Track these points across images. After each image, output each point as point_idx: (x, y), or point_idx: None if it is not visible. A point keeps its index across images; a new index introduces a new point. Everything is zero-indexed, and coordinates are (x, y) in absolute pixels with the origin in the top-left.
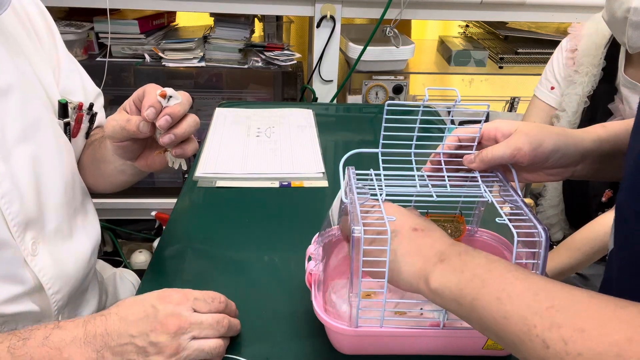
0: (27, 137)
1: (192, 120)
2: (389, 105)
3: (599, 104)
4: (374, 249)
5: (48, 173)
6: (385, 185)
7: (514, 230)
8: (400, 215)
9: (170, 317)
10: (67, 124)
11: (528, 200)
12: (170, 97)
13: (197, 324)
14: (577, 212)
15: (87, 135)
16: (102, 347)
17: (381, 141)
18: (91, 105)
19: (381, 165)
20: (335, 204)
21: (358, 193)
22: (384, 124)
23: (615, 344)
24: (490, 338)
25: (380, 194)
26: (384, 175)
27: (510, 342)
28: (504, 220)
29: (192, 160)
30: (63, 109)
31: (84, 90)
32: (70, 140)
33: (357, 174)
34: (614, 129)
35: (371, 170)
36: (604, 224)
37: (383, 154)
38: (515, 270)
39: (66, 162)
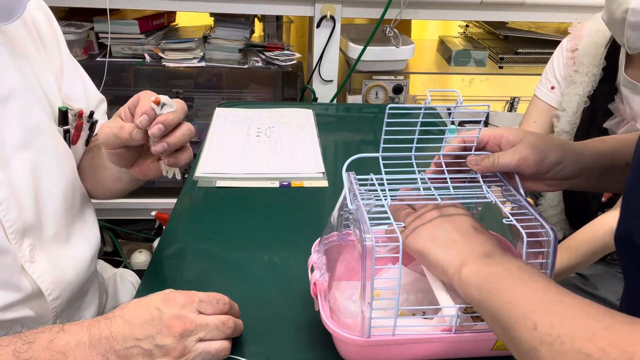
0: (27, 143)
1: (186, 129)
2: (390, 108)
3: (599, 104)
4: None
5: (47, 180)
6: (389, 190)
7: (523, 231)
8: (465, 216)
9: (176, 319)
10: (66, 131)
11: (529, 200)
12: (164, 104)
13: (203, 325)
14: (577, 212)
15: (87, 142)
16: (108, 351)
17: (382, 145)
18: (92, 113)
19: (382, 169)
20: (337, 211)
21: (362, 199)
22: (384, 128)
23: (592, 329)
24: (491, 326)
25: (385, 198)
26: (386, 179)
27: (506, 326)
28: (511, 220)
29: (189, 168)
30: (63, 116)
31: (87, 96)
32: (70, 147)
33: (359, 179)
34: (613, 143)
35: (371, 174)
36: (604, 224)
37: (384, 158)
38: (542, 276)
39: (66, 169)
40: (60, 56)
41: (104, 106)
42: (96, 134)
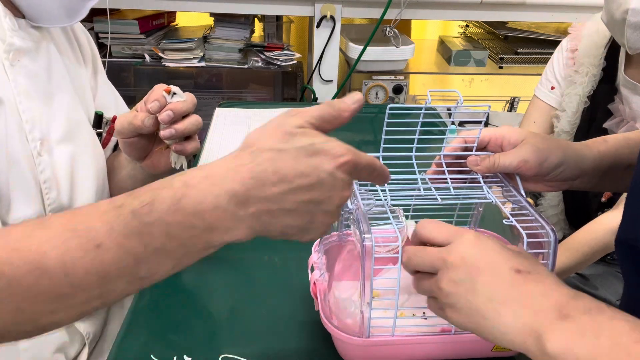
0: (68, 137)
1: (194, 119)
2: (390, 108)
3: (599, 105)
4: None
5: (82, 172)
6: (389, 190)
7: (523, 232)
8: (496, 252)
9: (345, 188)
10: (99, 135)
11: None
12: (175, 94)
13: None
14: (577, 212)
15: (115, 148)
16: (260, 212)
17: (382, 145)
18: None
19: None
20: None
21: (362, 199)
22: (385, 127)
23: None
24: None
25: (385, 198)
26: None
27: None
28: (512, 221)
29: (193, 161)
30: (98, 120)
31: (117, 109)
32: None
33: None
34: (615, 144)
35: None
36: (603, 224)
37: (384, 157)
38: None
39: (98, 166)
40: (95, 74)
41: None
42: None
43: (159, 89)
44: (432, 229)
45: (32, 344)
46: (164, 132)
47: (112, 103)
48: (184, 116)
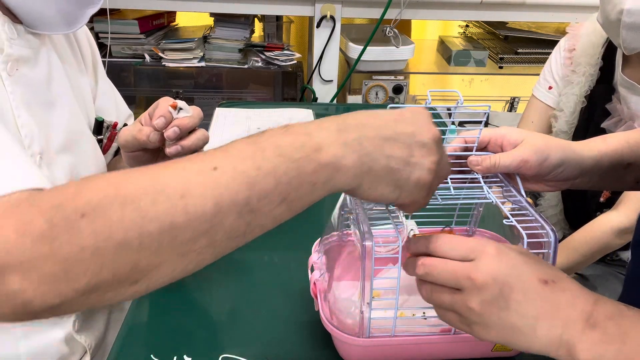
0: (68, 147)
1: (201, 134)
2: (390, 108)
3: (596, 104)
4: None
5: None
6: None
7: (523, 232)
8: (521, 263)
9: (428, 124)
10: (99, 141)
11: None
12: (181, 109)
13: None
14: (576, 212)
15: (116, 153)
16: (361, 137)
17: None
18: (125, 126)
19: None
20: (337, 211)
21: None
22: None
23: None
24: None
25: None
26: None
27: None
28: (512, 221)
29: None
30: (98, 126)
31: (117, 110)
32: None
33: None
34: (614, 143)
35: None
36: (602, 224)
37: None
38: None
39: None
40: (95, 74)
41: (132, 120)
42: None
43: (165, 103)
44: (447, 245)
45: (32, 357)
46: (169, 150)
47: (112, 106)
48: (190, 131)
